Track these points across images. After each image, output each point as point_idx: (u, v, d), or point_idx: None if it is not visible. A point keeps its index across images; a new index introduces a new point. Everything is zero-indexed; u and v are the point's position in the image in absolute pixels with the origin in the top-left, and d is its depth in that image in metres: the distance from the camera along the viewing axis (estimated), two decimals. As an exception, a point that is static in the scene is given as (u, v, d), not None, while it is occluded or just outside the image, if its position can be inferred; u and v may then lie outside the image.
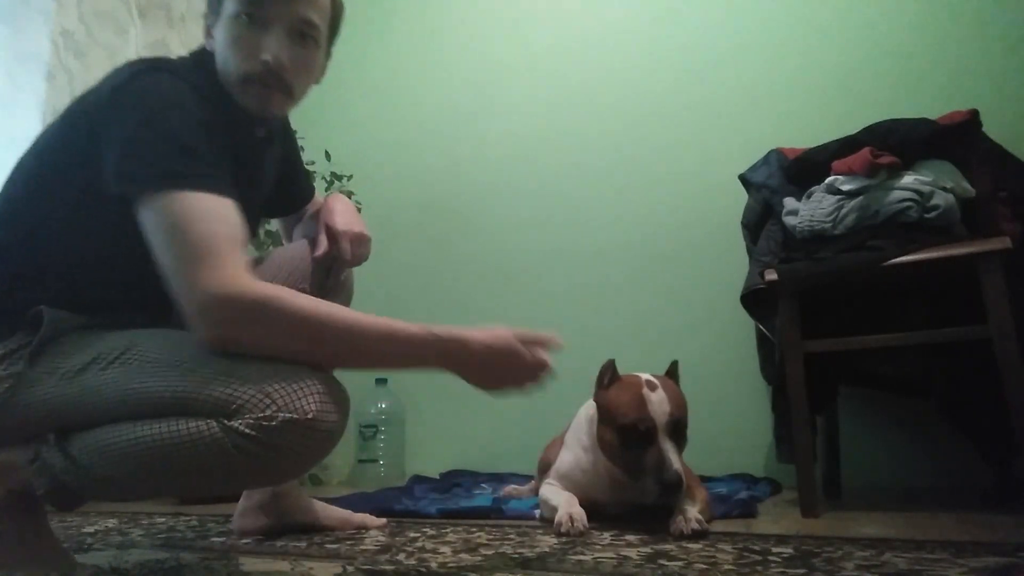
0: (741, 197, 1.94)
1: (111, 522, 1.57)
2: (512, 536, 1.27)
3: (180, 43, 2.70)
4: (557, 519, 1.30)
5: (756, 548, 1.10)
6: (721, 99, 2.35)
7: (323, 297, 1.30)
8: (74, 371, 0.90)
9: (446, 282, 2.68)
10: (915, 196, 1.49)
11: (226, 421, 0.81)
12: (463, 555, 1.10)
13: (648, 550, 1.10)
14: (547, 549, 1.13)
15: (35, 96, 2.23)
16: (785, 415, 1.61)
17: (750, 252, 1.87)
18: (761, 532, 1.27)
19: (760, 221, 1.84)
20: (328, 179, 2.58)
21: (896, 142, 1.58)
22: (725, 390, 2.17)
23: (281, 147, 1.29)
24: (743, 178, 1.93)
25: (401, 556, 1.10)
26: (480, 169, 2.70)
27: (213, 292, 0.84)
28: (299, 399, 0.83)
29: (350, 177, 2.60)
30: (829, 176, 1.62)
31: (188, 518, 1.62)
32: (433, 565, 1.03)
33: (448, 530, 1.37)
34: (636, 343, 2.29)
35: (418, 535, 1.31)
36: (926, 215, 1.49)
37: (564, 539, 1.22)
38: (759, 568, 0.95)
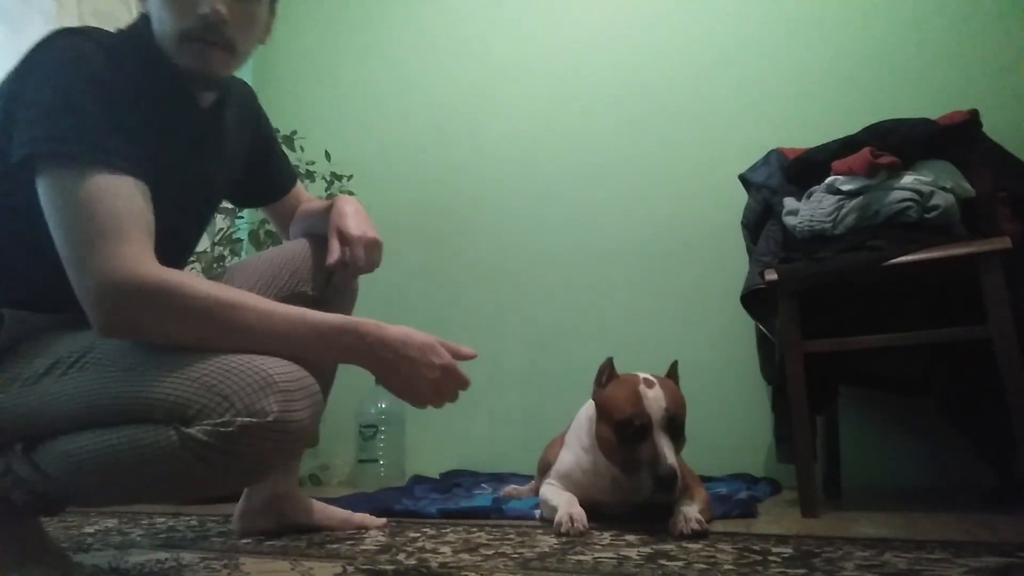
0: (741, 197, 1.94)
1: (111, 522, 1.57)
2: (512, 536, 1.27)
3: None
4: (557, 519, 1.30)
5: (756, 548, 1.10)
6: (721, 99, 2.35)
7: (327, 301, 1.26)
8: (35, 377, 0.87)
9: (446, 282, 2.68)
10: (915, 196, 1.49)
11: (184, 428, 0.78)
12: (463, 555, 1.10)
13: (648, 550, 1.10)
14: (547, 549, 1.13)
15: (35, 96, 2.23)
16: (785, 415, 1.61)
17: (750, 252, 1.87)
18: (761, 532, 1.27)
19: (760, 221, 1.84)
20: (328, 179, 2.57)
21: (896, 142, 1.58)
22: (725, 390, 2.17)
23: (249, 125, 1.22)
24: (743, 178, 1.93)
25: (401, 556, 1.10)
26: (480, 169, 2.70)
27: (110, 276, 0.80)
28: (258, 400, 0.78)
29: (350, 177, 2.60)
30: (829, 176, 1.62)
31: (188, 518, 1.62)
32: (433, 565, 1.03)
33: (448, 530, 1.37)
34: (636, 343, 2.29)
35: (418, 535, 1.31)
36: (926, 215, 1.49)
37: (564, 539, 1.22)
38: (759, 568, 0.95)
